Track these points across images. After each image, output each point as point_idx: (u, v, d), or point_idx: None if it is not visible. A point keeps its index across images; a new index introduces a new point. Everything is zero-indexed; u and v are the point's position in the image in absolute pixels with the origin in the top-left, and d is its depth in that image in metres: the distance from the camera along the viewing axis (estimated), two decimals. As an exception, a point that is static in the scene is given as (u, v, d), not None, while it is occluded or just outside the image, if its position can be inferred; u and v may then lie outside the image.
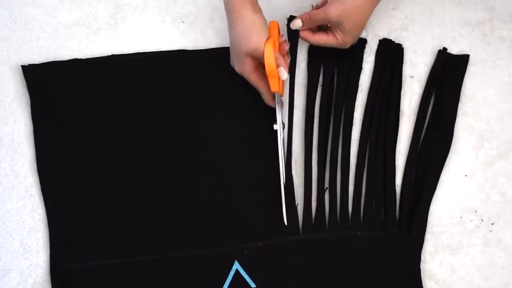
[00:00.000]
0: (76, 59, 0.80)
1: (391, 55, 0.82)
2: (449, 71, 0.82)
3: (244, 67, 0.74)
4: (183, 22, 0.83)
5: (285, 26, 0.79)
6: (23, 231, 0.77)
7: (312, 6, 0.79)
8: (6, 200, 0.78)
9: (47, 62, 0.80)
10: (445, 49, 0.82)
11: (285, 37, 0.78)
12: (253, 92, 0.78)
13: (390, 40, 0.83)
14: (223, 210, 0.78)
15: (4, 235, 0.77)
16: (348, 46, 0.77)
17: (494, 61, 0.83)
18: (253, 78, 0.75)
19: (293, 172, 0.78)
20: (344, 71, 0.81)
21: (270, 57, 0.71)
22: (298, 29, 0.77)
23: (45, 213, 0.77)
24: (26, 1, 0.82)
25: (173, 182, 0.78)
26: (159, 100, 0.80)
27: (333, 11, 0.73)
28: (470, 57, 0.82)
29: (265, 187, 0.78)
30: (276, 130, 0.76)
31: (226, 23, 0.81)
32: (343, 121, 0.80)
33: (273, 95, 0.76)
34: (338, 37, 0.75)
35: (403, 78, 0.82)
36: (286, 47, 0.75)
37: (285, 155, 0.77)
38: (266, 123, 0.80)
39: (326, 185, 0.78)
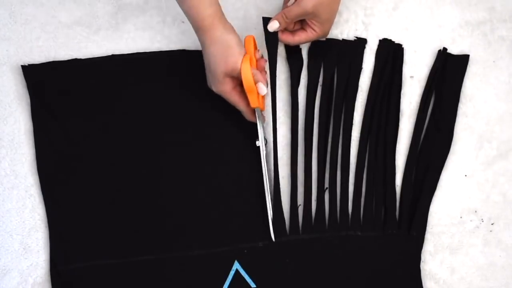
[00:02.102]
0: (76, 59, 0.80)
1: (391, 55, 0.82)
2: (449, 71, 0.82)
3: (222, 87, 0.73)
4: (183, 22, 0.83)
5: (261, 40, 0.78)
6: (23, 231, 0.77)
7: (286, 3, 0.79)
8: (6, 200, 0.78)
9: (47, 62, 0.80)
10: (445, 49, 0.82)
11: (262, 51, 0.78)
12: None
13: (390, 40, 0.83)
14: (223, 210, 0.77)
15: (4, 235, 0.77)
16: (327, 35, 0.78)
17: (494, 61, 0.83)
18: (232, 97, 0.74)
19: (282, 176, 0.78)
20: (344, 71, 0.81)
21: (247, 75, 0.71)
22: (276, 30, 0.76)
23: (45, 213, 0.77)
24: (27, 1, 0.82)
25: (173, 182, 0.78)
26: (159, 100, 0.80)
27: (308, 3, 0.72)
28: (470, 57, 0.82)
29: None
30: (259, 147, 0.76)
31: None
32: (343, 121, 0.80)
33: (253, 111, 0.76)
34: (317, 29, 0.75)
35: (403, 78, 0.82)
36: (263, 63, 0.76)
37: (268, 171, 0.77)
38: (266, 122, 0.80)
39: (326, 185, 0.78)
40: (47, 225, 0.77)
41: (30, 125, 0.79)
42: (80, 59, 0.80)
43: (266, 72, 0.76)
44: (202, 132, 0.79)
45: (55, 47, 0.81)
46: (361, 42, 0.82)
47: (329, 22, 0.75)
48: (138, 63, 0.80)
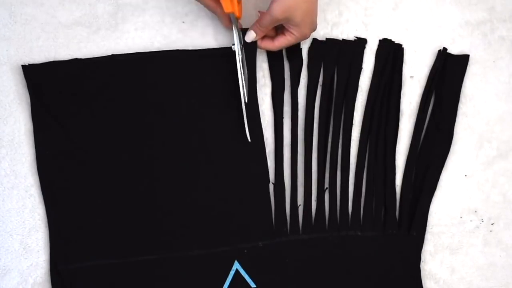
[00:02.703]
0: (76, 59, 0.80)
1: (391, 55, 0.82)
2: (449, 71, 0.82)
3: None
4: (183, 22, 0.83)
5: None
6: (23, 231, 0.77)
7: (259, 12, 0.78)
8: (6, 200, 0.78)
9: (47, 62, 0.80)
10: (445, 49, 0.82)
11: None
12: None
13: (390, 40, 0.83)
14: (223, 210, 0.78)
15: (4, 235, 0.77)
16: (308, 36, 0.77)
17: (494, 61, 0.83)
18: (206, 2, 0.74)
19: (286, 173, 0.78)
20: (344, 71, 0.81)
21: None
22: (254, 40, 0.77)
23: (45, 213, 0.77)
24: (26, 1, 0.82)
25: (173, 182, 0.78)
26: (159, 100, 0.80)
27: (276, 10, 0.72)
28: (470, 57, 0.82)
29: (265, 186, 0.78)
30: (235, 51, 0.76)
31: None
32: (343, 121, 0.80)
33: (229, 17, 0.76)
34: (295, 32, 0.75)
35: (403, 78, 0.82)
36: None
37: (247, 78, 0.77)
38: (267, 121, 0.80)
39: (326, 185, 0.79)
40: (47, 225, 0.77)
41: (30, 125, 0.79)
42: (80, 59, 0.80)
43: None
44: (202, 132, 0.79)
45: (55, 47, 0.81)
46: (361, 42, 0.82)
47: (306, 23, 0.74)
48: (138, 63, 0.80)
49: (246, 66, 0.77)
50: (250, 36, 0.77)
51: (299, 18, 0.73)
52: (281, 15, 0.72)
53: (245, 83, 0.77)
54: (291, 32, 0.75)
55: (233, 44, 0.76)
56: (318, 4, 0.75)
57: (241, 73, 0.76)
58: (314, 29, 0.77)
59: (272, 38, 0.78)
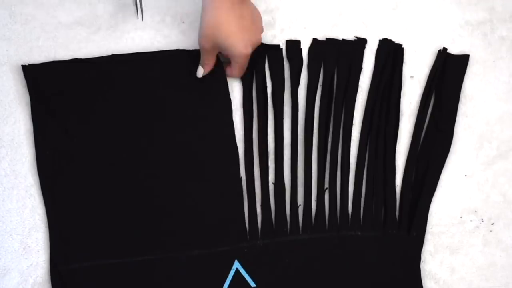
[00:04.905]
0: (76, 59, 0.80)
1: (391, 55, 0.82)
2: (449, 71, 0.82)
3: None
4: (183, 22, 0.83)
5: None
6: (23, 231, 0.77)
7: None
8: (6, 200, 0.78)
9: (47, 62, 0.80)
10: (445, 49, 0.82)
11: None
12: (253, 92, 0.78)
13: (390, 40, 0.83)
14: (223, 209, 0.77)
15: (4, 235, 0.77)
16: (245, 53, 0.75)
17: (494, 61, 0.83)
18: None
19: (286, 173, 0.78)
20: (344, 71, 0.81)
21: None
22: (204, 74, 0.78)
23: (45, 213, 0.77)
24: (27, 1, 0.82)
25: (173, 181, 0.78)
26: (159, 100, 0.80)
27: (200, 42, 0.74)
28: (470, 57, 0.82)
29: (265, 186, 0.78)
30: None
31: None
32: (343, 121, 0.80)
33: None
34: (232, 49, 0.75)
35: (403, 78, 0.82)
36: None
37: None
38: (266, 121, 0.80)
39: (326, 185, 0.79)
40: (47, 225, 0.77)
41: (30, 125, 0.79)
42: (80, 59, 0.80)
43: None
44: (202, 131, 0.79)
45: (55, 47, 0.81)
46: (361, 42, 0.82)
47: (234, 44, 0.74)
48: (138, 63, 0.80)
49: None
50: (200, 72, 0.78)
51: (221, 38, 0.73)
52: (207, 44, 0.74)
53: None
54: (230, 52, 0.75)
55: None
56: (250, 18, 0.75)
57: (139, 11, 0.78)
58: (254, 44, 0.76)
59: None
